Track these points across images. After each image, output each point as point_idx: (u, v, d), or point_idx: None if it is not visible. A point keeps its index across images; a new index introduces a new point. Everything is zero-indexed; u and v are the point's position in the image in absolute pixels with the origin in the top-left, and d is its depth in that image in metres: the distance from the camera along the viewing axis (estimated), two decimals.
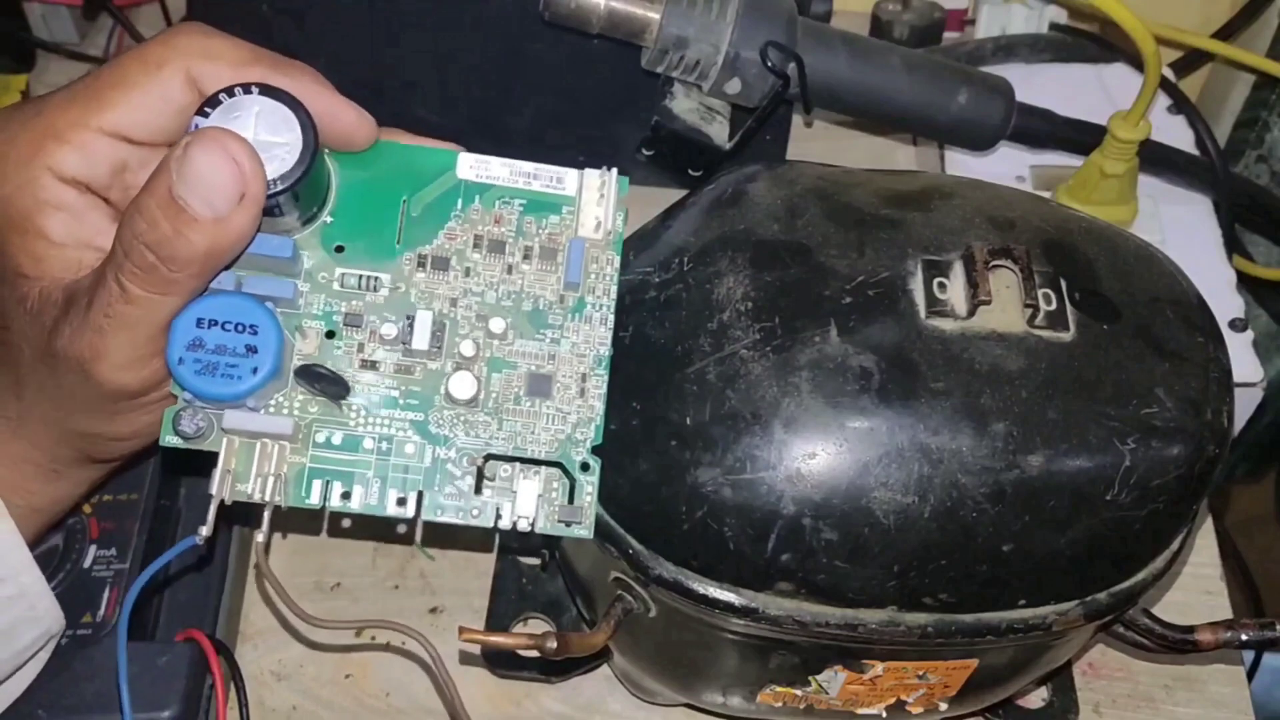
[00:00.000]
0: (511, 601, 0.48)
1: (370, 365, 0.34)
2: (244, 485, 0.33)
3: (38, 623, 0.38)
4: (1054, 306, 0.34)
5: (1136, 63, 0.60)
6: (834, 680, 0.38)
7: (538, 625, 0.48)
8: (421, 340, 0.33)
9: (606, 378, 0.35)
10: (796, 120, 0.59)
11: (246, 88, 0.31)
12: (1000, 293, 0.34)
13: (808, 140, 0.62)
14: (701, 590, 0.35)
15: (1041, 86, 0.58)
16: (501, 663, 0.47)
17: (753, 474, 0.33)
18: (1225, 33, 0.67)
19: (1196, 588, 0.50)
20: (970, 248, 0.35)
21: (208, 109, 0.31)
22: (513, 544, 0.49)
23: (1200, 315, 0.36)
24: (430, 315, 0.34)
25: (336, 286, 0.34)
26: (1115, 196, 0.54)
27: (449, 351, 0.34)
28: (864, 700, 0.39)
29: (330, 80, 0.34)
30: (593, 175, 0.35)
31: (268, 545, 0.33)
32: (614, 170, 0.36)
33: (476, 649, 0.46)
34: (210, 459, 0.33)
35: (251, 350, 0.31)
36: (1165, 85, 0.59)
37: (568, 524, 0.34)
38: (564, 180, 0.36)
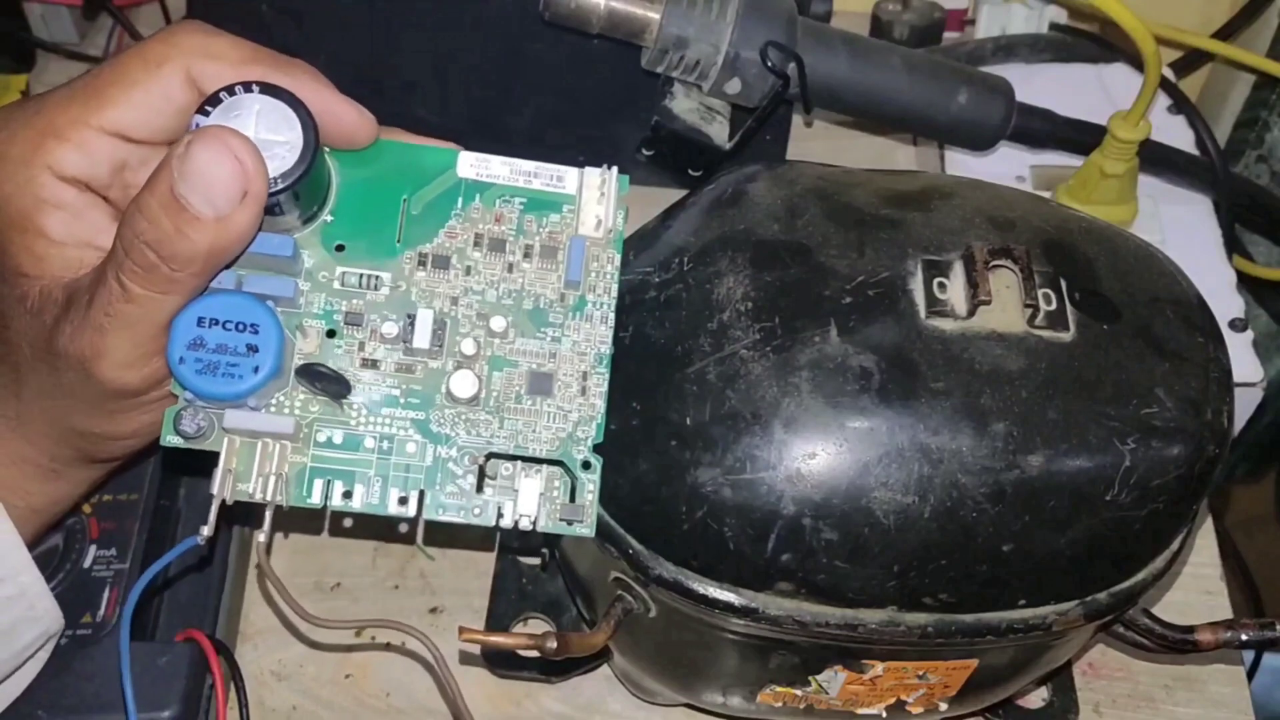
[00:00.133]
0: (511, 601, 0.48)
1: (371, 364, 0.34)
2: (245, 485, 0.33)
3: (37, 623, 0.38)
4: (1054, 306, 0.34)
5: (1136, 63, 0.60)
6: (834, 680, 0.38)
7: (538, 625, 0.48)
8: (423, 339, 0.33)
9: (608, 376, 0.35)
10: (796, 120, 0.59)
11: (247, 86, 0.31)
12: (1000, 293, 0.34)
13: (808, 140, 0.62)
14: (701, 590, 0.35)
15: (1041, 86, 0.58)
16: (501, 663, 0.47)
17: (753, 474, 0.33)
18: (1225, 33, 0.67)
19: (1196, 588, 0.50)
20: (970, 248, 0.35)
21: (208, 107, 0.31)
22: (513, 543, 0.49)
23: (1200, 315, 0.36)
24: (431, 314, 0.34)
25: (337, 285, 0.34)
26: (1115, 196, 0.54)
27: (450, 350, 0.34)
28: (864, 700, 0.39)
29: (330, 79, 0.34)
30: (593, 174, 0.35)
31: (269, 545, 0.33)
32: (614, 169, 0.36)
33: (476, 649, 0.46)
34: (211, 459, 0.33)
35: (252, 349, 0.31)
36: (1165, 85, 0.59)
37: (569, 523, 0.34)
38: (564, 179, 0.36)
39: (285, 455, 0.33)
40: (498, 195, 0.35)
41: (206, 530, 0.32)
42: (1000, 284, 0.35)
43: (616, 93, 0.55)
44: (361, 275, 0.34)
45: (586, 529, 0.34)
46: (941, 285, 0.35)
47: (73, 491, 0.38)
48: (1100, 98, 0.59)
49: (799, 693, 0.39)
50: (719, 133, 0.54)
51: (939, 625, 0.35)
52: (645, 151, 0.56)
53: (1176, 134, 0.59)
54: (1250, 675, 0.48)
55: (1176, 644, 0.39)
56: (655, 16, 0.49)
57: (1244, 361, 0.50)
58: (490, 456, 0.34)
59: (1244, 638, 0.38)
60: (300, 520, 0.50)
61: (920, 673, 0.38)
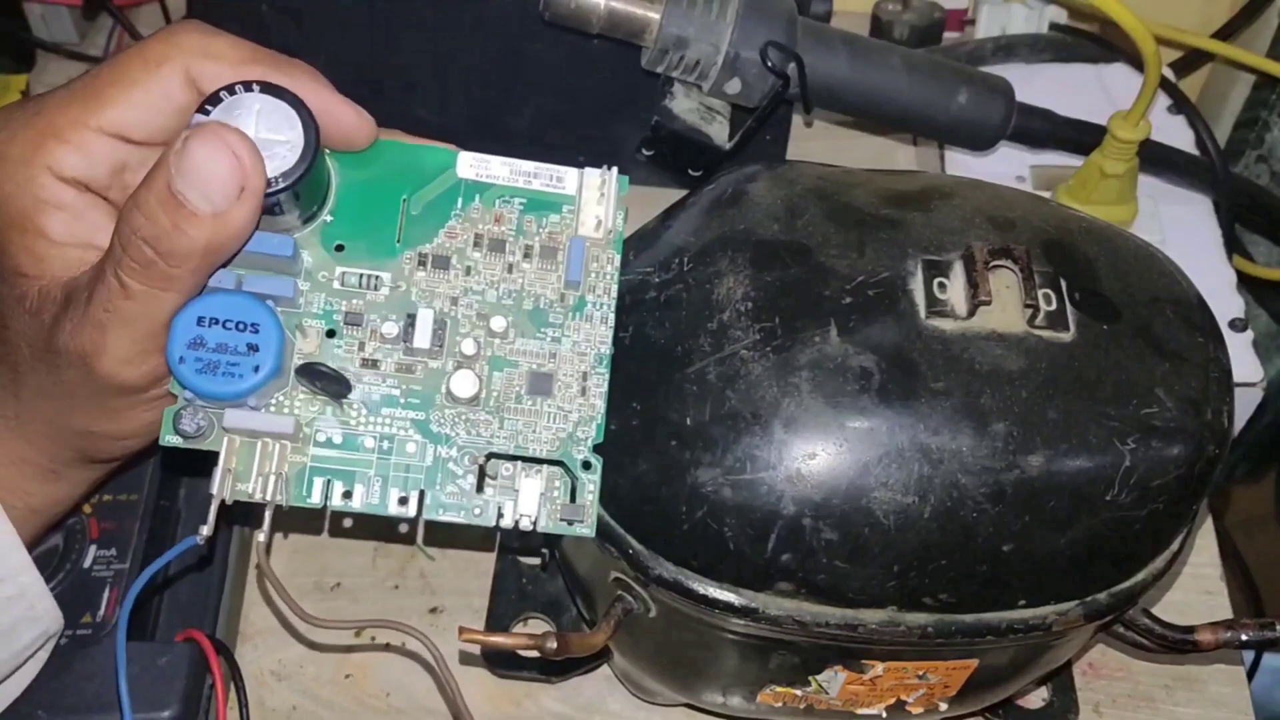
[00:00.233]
0: (511, 601, 0.48)
1: (371, 364, 0.34)
2: (245, 485, 0.33)
3: (37, 623, 0.38)
4: (1054, 306, 0.34)
5: (1136, 63, 0.60)
6: (834, 680, 0.38)
7: (538, 625, 0.48)
8: (423, 339, 0.33)
9: (608, 376, 0.35)
10: (796, 120, 0.59)
11: (247, 85, 0.31)
12: (1000, 293, 0.34)
13: (808, 140, 0.62)
14: (701, 590, 0.35)
15: (1041, 86, 0.58)
16: (501, 663, 0.47)
17: (753, 474, 0.33)
18: (1225, 33, 0.67)
19: (1196, 588, 0.50)
20: (970, 248, 0.35)
21: (209, 106, 0.31)
22: (513, 543, 0.49)
23: (1200, 315, 0.36)
24: (431, 314, 0.34)
25: (337, 285, 0.34)
26: (1115, 196, 0.54)
27: (450, 350, 0.34)
28: (864, 700, 0.39)
29: (329, 80, 0.34)
30: (593, 174, 0.35)
31: (269, 545, 0.33)
32: (614, 169, 0.36)
33: (476, 649, 0.46)
34: (210, 459, 0.33)
35: (252, 349, 0.31)
36: (1165, 85, 0.59)
37: (570, 523, 0.34)
38: (564, 179, 0.36)
39: (285, 455, 0.33)
40: (497, 195, 0.35)
41: (206, 530, 0.32)
42: (1000, 284, 0.35)
43: (616, 93, 0.55)
44: (361, 275, 0.34)
45: (587, 529, 0.34)
46: (941, 285, 0.35)
47: (72, 492, 0.38)
48: (1100, 98, 0.59)
49: (799, 693, 0.39)
50: (719, 133, 0.54)
51: (939, 625, 0.35)
52: (645, 151, 0.56)
53: (1176, 134, 0.59)
54: (1250, 675, 0.48)
55: (1176, 644, 0.39)
56: (655, 16, 0.49)
57: (1244, 361, 0.50)
58: (490, 457, 0.34)
59: (1244, 638, 0.38)
60: (300, 520, 0.50)
61: (920, 673, 0.38)
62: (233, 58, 0.32)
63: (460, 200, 0.35)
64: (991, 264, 0.34)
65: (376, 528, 0.50)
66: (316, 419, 0.33)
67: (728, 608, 0.35)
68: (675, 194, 0.41)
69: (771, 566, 0.34)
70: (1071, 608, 0.35)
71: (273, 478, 0.33)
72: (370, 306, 0.34)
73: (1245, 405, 0.51)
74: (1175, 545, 0.37)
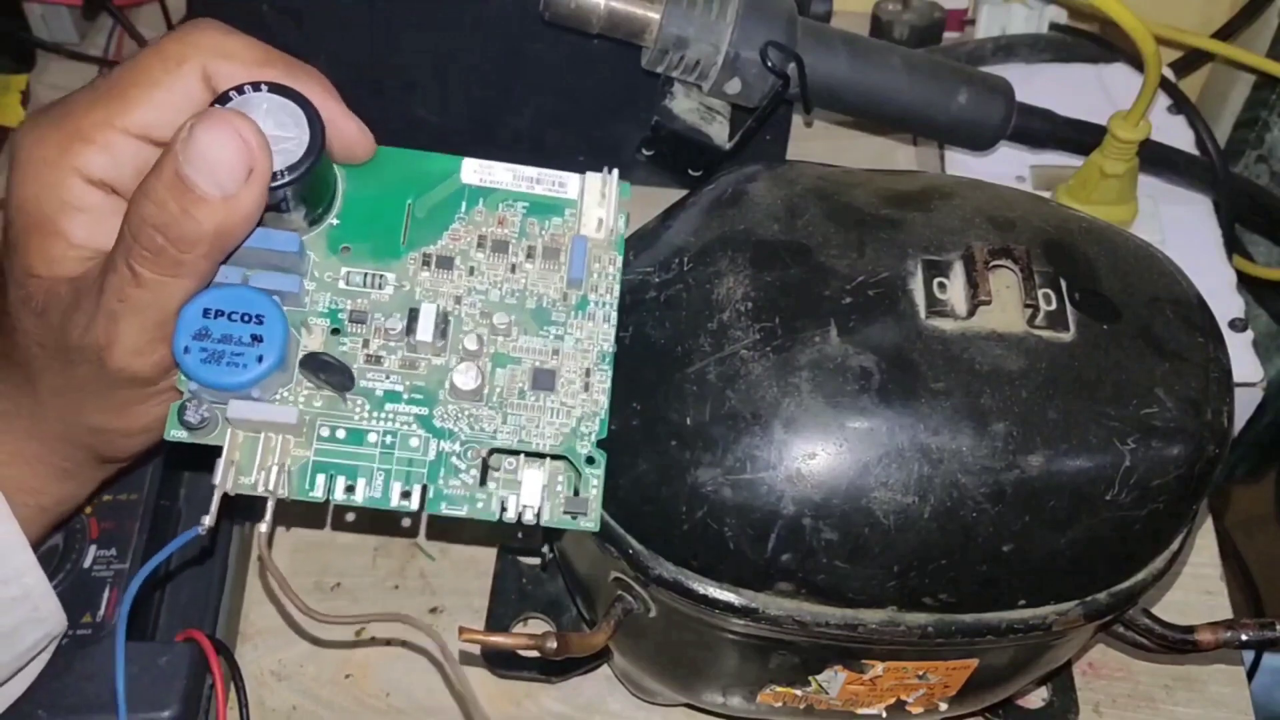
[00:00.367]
0: (511, 601, 0.48)
1: (375, 360, 0.34)
2: (247, 477, 0.33)
3: (41, 624, 0.38)
4: (1054, 306, 0.34)
5: (1136, 63, 0.60)
6: (834, 680, 0.38)
7: (538, 625, 0.48)
8: (426, 332, 0.33)
9: (610, 373, 0.35)
10: (796, 120, 0.59)
11: (256, 85, 0.32)
12: (1000, 293, 0.34)
13: (808, 140, 0.62)
14: (701, 590, 0.35)
15: (1041, 86, 0.58)
16: (501, 663, 0.47)
17: (753, 474, 0.33)
18: (1225, 33, 0.67)
19: (1196, 588, 0.50)
20: (970, 248, 0.35)
21: (218, 105, 0.31)
22: (514, 543, 0.49)
23: (1200, 315, 0.36)
24: (435, 308, 0.34)
25: (342, 285, 0.34)
26: (1115, 196, 0.54)
27: (453, 347, 0.34)
28: (864, 700, 0.39)
29: (329, 79, 0.34)
30: (594, 178, 0.36)
31: (270, 537, 0.33)
32: (615, 172, 0.36)
33: (476, 649, 0.46)
34: (215, 457, 0.33)
35: (257, 339, 0.32)
36: (1165, 85, 0.59)
37: (574, 515, 0.34)
38: (566, 184, 0.36)
39: (288, 448, 0.33)
40: (501, 200, 0.36)
41: (208, 520, 0.32)
42: (1000, 284, 0.35)
43: (616, 93, 0.55)
44: (366, 275, 0.34)
45: (591, 523, 0.34)
46: (941, 285, 0.35)
47: (80, 492, 0.38)
48: (1100, 98, 0.59)
49: (799, 693, 0.39)
50: (719, 133, 0.54)
51: (939, 625, 0.35)
52: (645, 151, 0.56)
53: (1176, 134, 0.59)
54: (1250, 675, 0.48)
55: (1176, 644, 0.39)
56: (655, 16, 0.49)
57: (1244, 361, 0.50)
58: (494, 451, 0.34)
59: (1244, 638, 0.38)
60: (302, 514, 0.50)
61: (920, 673, 0.38)
62: (248, 58, 0.33)
63: (464, 204, 0.35)
64: (991, 264, 0.34)
65: (379, 522, 0.50)
66: (320, 414, 0.33)
67: (728, 608, 0.35)
68: (675, 194, 0.41)
69: (771, 566, 0.34)
70: (1071, 608, 0.35)
71: (275, 470, 0.33)
72: (375, 305, 0.34)
73: (1245, 405, 0.52)
74: (1175, 545, 0.37)
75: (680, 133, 0.54)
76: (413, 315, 0.34)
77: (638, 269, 0.37)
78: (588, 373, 0.35)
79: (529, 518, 0.34)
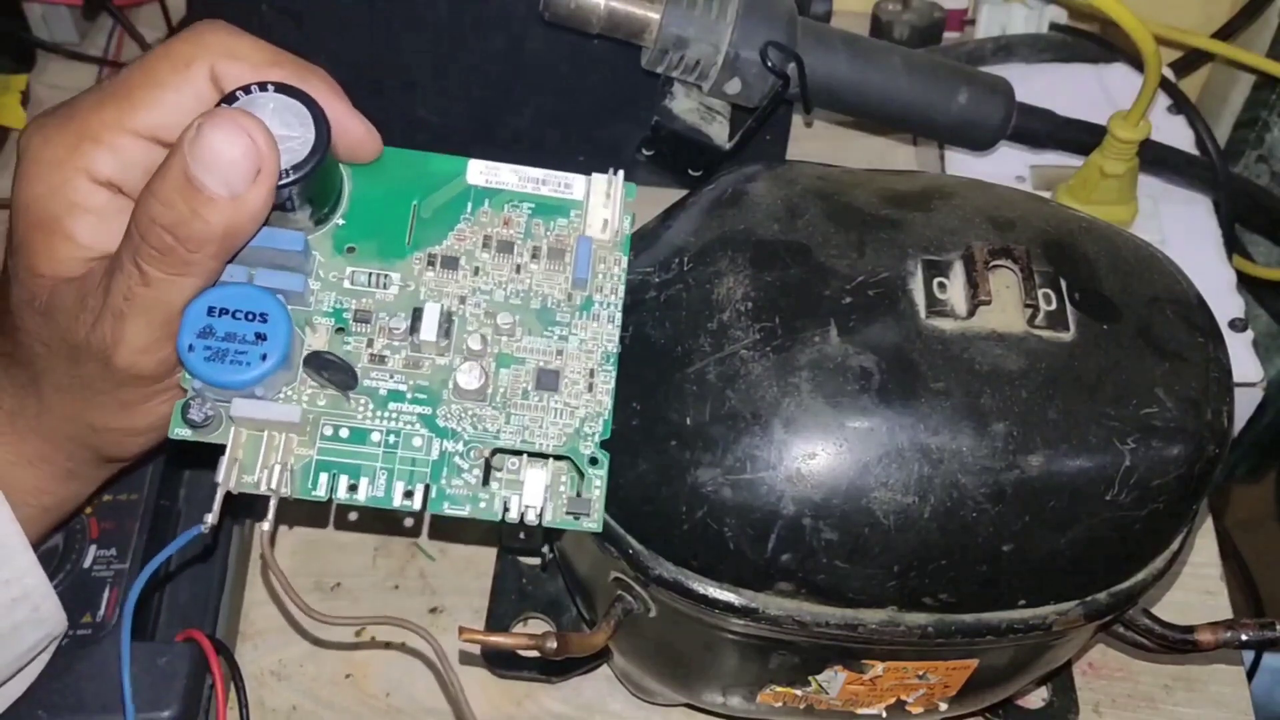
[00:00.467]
0: (511, 601, 0.48)
1: (379, 359, 0.34)
2: (250, 476, 0.33)
3: (42, 624, 0.38)
4: (1054, 306, 0.34)
5: (1136, 63, 0.60)
6: (834, 680, 0.38)
7: (538, 625, 0.48)
8: (430, 331, 0.33)
9: (614, 374, 0.35)
10: (796, 120, 0.59)
11: (262, 85, 0.32)
12: (1000, 293, 0.34)
13: (808, 140, 0.62)
14: (701, 590, 0.35)
15: (1041, 86, 0.58)
16: (501, 663, 0.47)
17: (753, 474, 0.33)
18: (1225, 33, 0.67)
19: (1196, 588, 0.50)
20: (970, 248, 0.35)
21: (224, 105, 0.31)
22: (515, 543, 0.49)
23: (1200, 315, 0.36)
24: (439, 307, 0.34)
25: (347, 284, 0.34)
26: (1115, 196, 0.54)
27: (457, 346, 0.34)
28: (864, 700, 0.39)
29: (330, 76, 0.34)
30: (600, 179, 0.36)
31: (273, 536, 0.33)
32: (620, 173, 0.36)
33: (476, 649, 0.46)
34: (217, 456, 0.33)
35: (261, 338, 0.32)
36: (1165, 85, 0.59)
37: (576, 516, 0.34)
38: (572, 185, 0.36)
39: (291, 447, 0.33)
40: (506, 200, 0.36)
41: (211, 519, 0.32)
42: (1000, 284, 0.35)
43: (616, 93, 0.55)
44: (371, 274, 0.34)
45: (593, 523, 0.34)
46: (941, 285, 0.35)
47: (83, 492, 0.38)
48: (1100, 98, 0.59)
49: (799, 693, 0.39)
50: (719, 133, 0.54)
51: (939, 625, 0.35)
52: (645, 151, 0.56)
53: (1176, 134, 0.59)
54: (1250, 675, 0.48)
55: (1176, 644, 0.39)
56: (655, 16, 0.49)
57: (1244, 361, 0.51)
58: (496, 451, 0.34)
59: (1244, 638, 0.38)
60: (304, 513, 0.50)
61: (920, 673, 0.38)
62: (255, 59, 0.33)
63: (470, 205, 0.35)
64: (991, 264, 0.34)
65: (383, 521, 0.50)
66: (323, 413, 0.33)
67: (728, 608, 0.35)
68: (675, 194, 0.41)
69: (771, 566, 0.34)
70: (1071, 608, 0.35)
71: (278, 469, 0.33)
72: (379, 304, 0.34)
73: (1245, 405, 0.52)
74: (1175, 545, 0.37)
75: (680, 133, 0.54)
76: (417, 315, 0.34)
77: (638, 269, 0.37)
78: (591, 373, 0.35)
79: (531, 518, 0.34)
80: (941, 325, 0.34)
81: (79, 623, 0.41)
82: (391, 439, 0.33)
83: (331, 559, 0.50)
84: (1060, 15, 0.64)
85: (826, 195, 0.37)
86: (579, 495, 0.34)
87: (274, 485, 0.32)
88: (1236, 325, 0.52)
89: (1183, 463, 0.34)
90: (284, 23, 0.53)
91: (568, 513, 0.34)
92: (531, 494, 0.34)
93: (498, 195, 0.36)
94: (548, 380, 0.34)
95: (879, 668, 0.37)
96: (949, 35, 0.66)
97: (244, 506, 0.48)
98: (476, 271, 0.35)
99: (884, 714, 0.40)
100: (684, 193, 0.40)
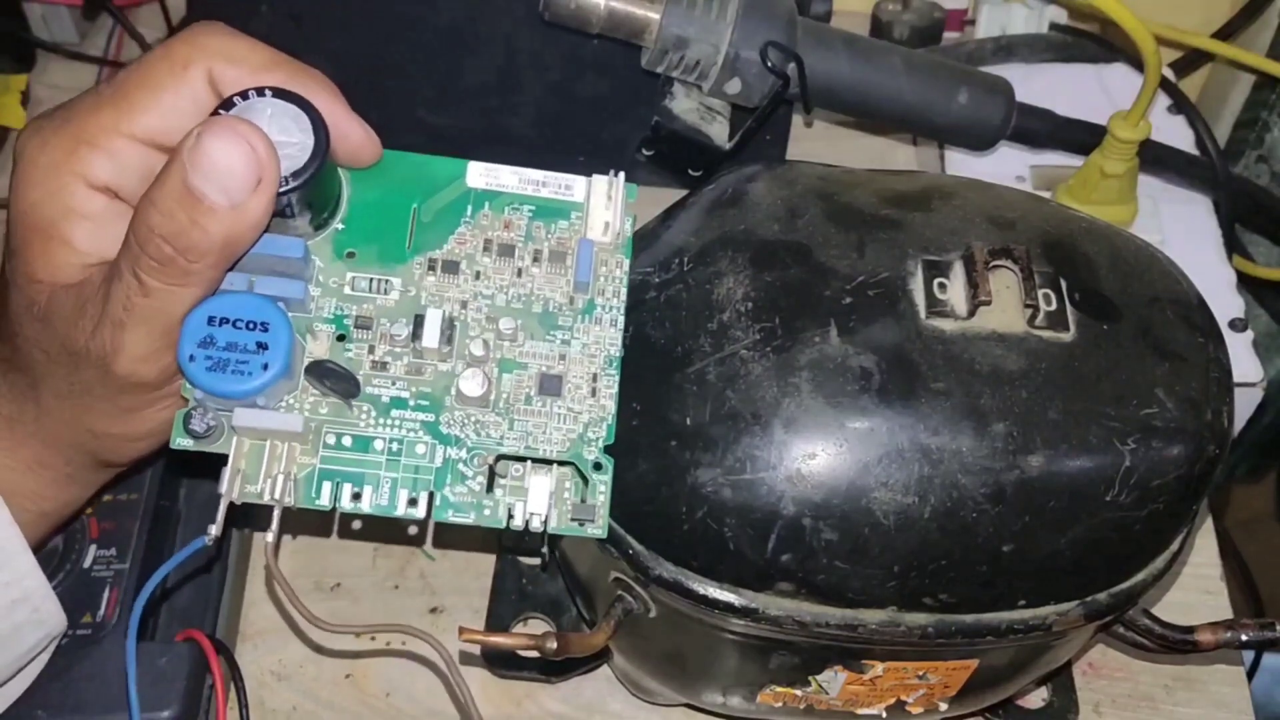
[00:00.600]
0: (511, 601, 0.48)
1: (381, 366, 0.34)
2: (253, 486, 0.32)
3: (41, 625, 0.38)
4: (1054, 306, 0.34)
5: (1136, 63, 0.60)
6: (834, 680, 0.38)
7: (538, 625, 0.48)
8: (431, 338, 0.33)
9: (618, 378, 0.34)
10: (796, 120, 0.59)
11: (260, 90, 0.31)
12: (1000, 293, 0.34)
13: (808, 140, 0.62)
14: (701, 590, 0.35)
15: (1041, 86, 0.58)
16: (501, 663, 0.47)
17: (753, 474, 0.33)
18: (1225, 33, 0.67)
19: (1196, 588, 0.50)
20: (970, 248, 0.35)
21: (221, 111, 0.31)
22: (519, 543, 0.49)
23: (1200, 315, 0.36)
24: (440, 313, 0.34)
25: (348, 290, 0.34)
26: (1115, 196, 0.54)
27: (459, 352, 0.34)
28: (864, 700, 0.39)
29: (330, 80, 0.34)
30: (600, 181, 0.36)
31: (276, 546, 0.33)
32: (621, 175, 0.36)
33: (476, 649, 0.46)
34: (217, 462, 0.33)
35: (262, 347, 0.31)
36: (1165, 85, 0.59)
37: (581, 523, 0.34)
38: (573, 187, 0.36)
39: (294, 456, 0.33)
40: (507, 203, 0.35)
41: (214, 530, 0.32)
42: (1000, 284, 0.35)
43: (616, 93, 0.55)
44: (372, 280, 0.34)
45: (598, 530, 0.34)
46: (941, 285, 0.35)
47: (82, 495, 0.38)
48: (1100, 98, 0.59)
49: (799, 693, 0.39)
50: (719, 133, 0.54)
51: (939, 625, 0.35)
52: (645, 151, 0.56)
53: (1176, 134, 0.59)
54: (1250, 675, 0.48)
55: (1176, 644, 0.39)
56: (655, 16, 0.49)
57: (1244, 361, 0.50)
58: (500, 458, 0.34)
59: (1244, 638, 0.38)
60: (307, 522, 0.50)
61: (920, 673, 0.38)
62: (253, 62, 0.32)
63: (470, 208, 0.35)
64: (991, 264, 0.34)
65: (385, 529, 0.50)
66: (326, 421, 0.33)
67: (728, 608, 0.35)
68: (675, 194, 0.41)
69: (771, 567, 0.34)
70: (1071, 608, 0.35)
71: (281, 478, 0.32)
72: (380, 310, 0.34)
73: (1245, 405, 0.51)
74: (1175, 545, 0.37)
75: (680, 133, 0.54)
76: (418, 321, 0.33)
77: (638, 269, 0.37)
78: (595, 378, 0.34)
79: (536, 525, 0.33)
80: (941, 325, 0.34)
81: (79, 623, 0.41)
82: (395, 447, 0.33)
83: (331, 559, 0.50)
84: (1060, 15, 0.64)
85: (826, 195, 0.37)
86: (583, 501, 0.34)
87: (277, 495, 0.32)
88: (1236, 325, 0.52)
89: (1183, 463, 0.34)
90: (283, 23, 0.53)
91: (572, 519, 0.34)
92: (536, 501, 0.34)
93: (498, 198, 0.35)
94: (550, 385, 0.34)
95: (879, 668, 0.37)
96: (949, 35, 0.66)
97: (246, 516, 0.48)
98: (478, 276, 0.35)
99: (884, 714, 0.40)
100: (684, 193, 0.40)
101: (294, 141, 0.31)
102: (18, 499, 0.36)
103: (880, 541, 0.33)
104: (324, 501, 0.33)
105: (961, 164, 0.58)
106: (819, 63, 0.51)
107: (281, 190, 0.31)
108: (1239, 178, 0.63)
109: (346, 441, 0.33)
